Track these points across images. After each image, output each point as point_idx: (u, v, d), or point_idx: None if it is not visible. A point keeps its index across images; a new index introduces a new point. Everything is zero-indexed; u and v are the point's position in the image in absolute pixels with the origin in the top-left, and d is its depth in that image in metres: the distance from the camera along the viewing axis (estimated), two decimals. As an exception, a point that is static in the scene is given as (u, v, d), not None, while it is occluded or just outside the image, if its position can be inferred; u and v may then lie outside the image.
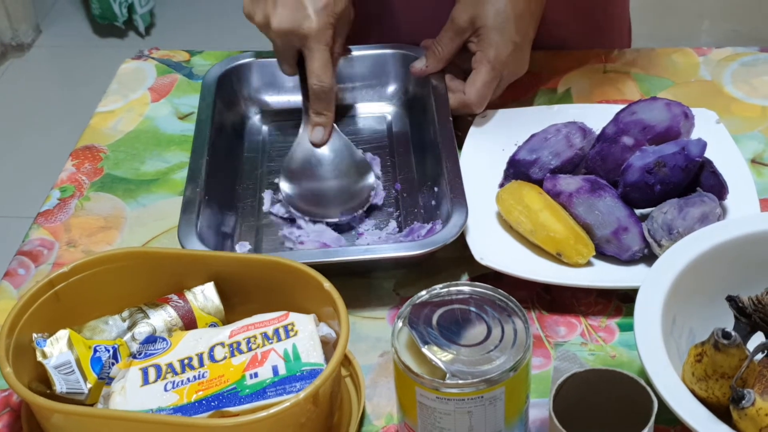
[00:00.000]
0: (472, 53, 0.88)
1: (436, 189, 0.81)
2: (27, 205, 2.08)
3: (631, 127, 0.81)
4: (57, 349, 0.64)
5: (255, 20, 0.84)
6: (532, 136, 0.84)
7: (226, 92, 0.91)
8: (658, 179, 0.77)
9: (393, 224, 0.82)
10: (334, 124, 0.87)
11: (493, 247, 0.76)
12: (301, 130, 0.87)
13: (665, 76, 0.96)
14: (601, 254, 0.76)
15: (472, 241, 0.76)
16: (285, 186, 0.84)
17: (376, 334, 0.73)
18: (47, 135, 2.33)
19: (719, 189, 0.78)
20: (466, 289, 0.63)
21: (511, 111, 0.90)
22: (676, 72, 0.97)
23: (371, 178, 0.85)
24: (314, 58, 0.83)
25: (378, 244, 0.79)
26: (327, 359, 0.64)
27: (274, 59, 0.88)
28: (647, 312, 0.63)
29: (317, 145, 0.86)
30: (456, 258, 0.78)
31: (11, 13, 2.59)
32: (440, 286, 0.63)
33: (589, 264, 0.76)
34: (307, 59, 0.84)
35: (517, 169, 0.82)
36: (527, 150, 0.83)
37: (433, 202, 0.81)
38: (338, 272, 0.72)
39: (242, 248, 0.79)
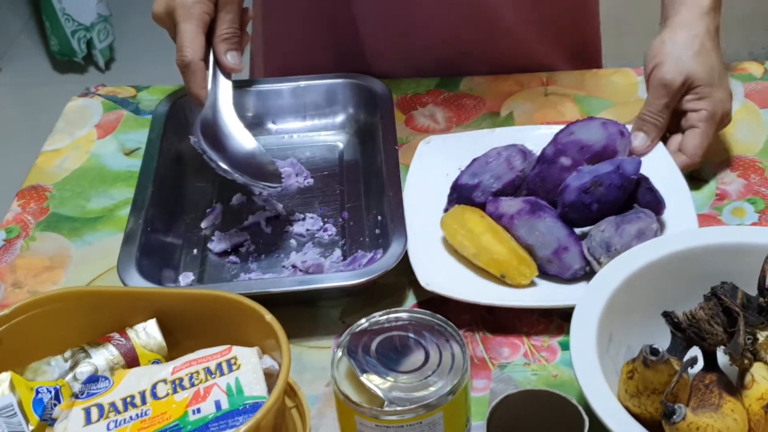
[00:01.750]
0: (683, 112, 0.87)
1: (380, 218, 0.82)
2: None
3: (569, 147, 0.83)
4: (-2, 393, 0.64)
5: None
6: (474, 160, 0.85)
7: (177, 123, 0.92)
8: (594, 198, 0.78)
9: (338, 252, 0.83)
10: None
11: (439, 272, 0.77)
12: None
13: (605, 97, 0.98)
14: (545, 274, 0.77)
15: (417, 266, 0.77)
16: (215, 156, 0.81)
17: (322, 364, 0.74)
18: (9, 174, 2.31)
19: (656, 205, 0.79)
20: (404, 315, 0.64)
21: (454, 135, 0.91)
22: (616, 92, 0.99)
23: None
24: (181, 30, 0.82)
25: (317, 274, 0.80)
26: (270, 392, 0.64)
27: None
28: (583, 331, 0.64)
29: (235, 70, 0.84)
30: (402, 284, 0.79)
31: (-30, 52, 2.58)
32: (380, 313, 0.64)
33: (532, 284, 0.77)
34: (176, 33, 0.83)
35: (460, 194, 0.83)
36: (469, 174, 0.84)
37: (377, 231, 0.82)
38: (283, 302, 0.73)
39: (186, 279, 0.80)
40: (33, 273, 0.82)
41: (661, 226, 0.79)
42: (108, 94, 1.03)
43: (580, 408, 0.56)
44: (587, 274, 0.76)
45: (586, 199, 0.78)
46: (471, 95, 0.99)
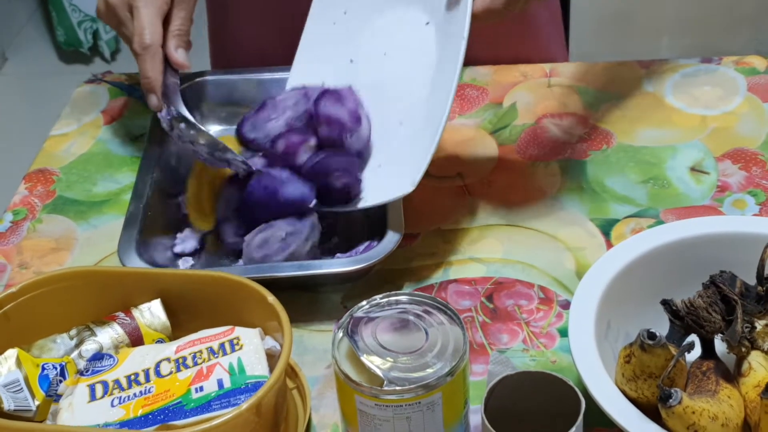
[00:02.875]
0: None
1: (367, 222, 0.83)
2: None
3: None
4: (5, 368, 0.65)
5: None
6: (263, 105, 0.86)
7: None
8: None
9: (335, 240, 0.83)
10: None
11: None
12: None
13: (608, 89, 0.98)
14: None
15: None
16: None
17: (323, 346, 0.74)
18: (6, 160, 2.32)
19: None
20: (404, 298, 0.64)
21: None
22: (620, 85, 0.99)
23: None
24: (138, 16, 0.81)
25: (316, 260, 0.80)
26: (272, 372, 0.65)
27: (232, 76, 0.90)
28: (581, 316, 0.65)
29: (155, 110, 0.83)
30: (402, 271, 0.80)
31: (-24, 42, 2.59)
32: (380, 296, 0.65)
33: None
34: (133, 19, 0.82)
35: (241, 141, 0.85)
36: (250, 125, 0.86)
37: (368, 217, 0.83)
38: (286, 286, 0.74)
39: (185, 264, 0.81)
40: (39, 254, 0.83)
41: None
42: (115, 80, 1.04)
43: (577, 390, 0.57)
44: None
45: None
46: (474, 85, 0.99)
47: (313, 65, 0.89)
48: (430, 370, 0.59)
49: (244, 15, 1.01)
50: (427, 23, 0.83)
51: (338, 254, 0.80)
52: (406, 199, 0.87)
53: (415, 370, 0.60)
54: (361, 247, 0.80)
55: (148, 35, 0.81)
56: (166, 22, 0.83)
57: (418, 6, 0.84)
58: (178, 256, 0.82)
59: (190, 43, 0.85)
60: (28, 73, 2.68)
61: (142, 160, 0.86)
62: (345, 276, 0.77)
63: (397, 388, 0.59)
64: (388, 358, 0.60)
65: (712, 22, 2.35)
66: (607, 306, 0.66)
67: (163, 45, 0.83)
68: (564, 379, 0.57)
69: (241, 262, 0.80)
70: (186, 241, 0.82)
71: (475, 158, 0.91)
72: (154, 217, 0.81)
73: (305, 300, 0.78)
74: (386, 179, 0.80)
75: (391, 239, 0.76)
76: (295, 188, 0.79)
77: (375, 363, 0.60)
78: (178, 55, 0.83)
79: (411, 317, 0.63)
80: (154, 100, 0.82)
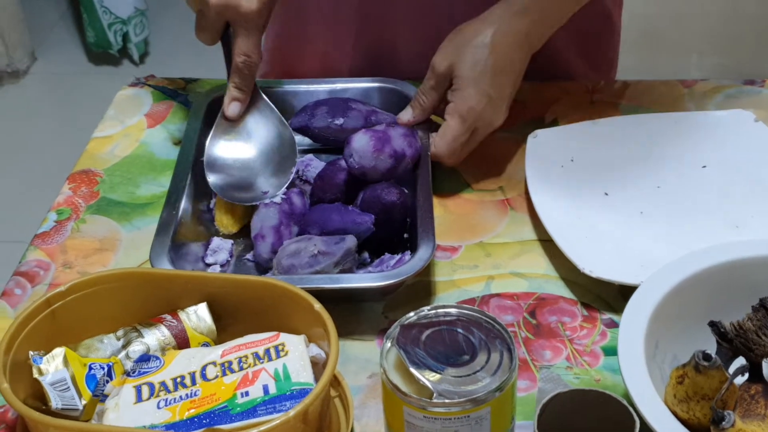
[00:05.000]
0: (447, 102, 0.86)
1: (409, 221, 0.83)
2: (21, 228, 2.09)
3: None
4: (53, 366, 0.65)
5: None
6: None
7: (215, 117, 0.93)
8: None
9: (365, 255, 0.83)
10: (265, 97, 0.88)
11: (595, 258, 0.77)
12: (220, 111, 0.88)
13: (650, 108, 0.98)
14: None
15: (574, 256, 0.77)
16: (210, 176, 0.84)
17: (365, 356, 0.75)
18: (42, 160, 2.34)
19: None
20: (453, 311, 0.64)
21: (558, 129, 0.92)
22: (662, 103, 0.99)
23: (294, 156, 0.86)
24: (246, 36, 0.84)
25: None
26: (316, 380, 0.65)
27: (264, 86, 0.90)
28: (631, 336, 0.64)
29: (231, 119, 0.87)
30: (444, 282, 0.80)
31: (7, 40, 2.61)
32: (428, 307, 0.65)
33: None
34: (237, 36, 0.85)
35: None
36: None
37: (406, 235, 0.83)
38: (326, 297, 0.73)
39: (213, 271, 0.81)
40: (83, 254, 0.84)
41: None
42: (158, 84, 1.04)
43: (631, 409, 0.57)
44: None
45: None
46: (514, 100, 0.99)
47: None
48: (479, 385, 0.59)
49: (314, 25, 1.01)
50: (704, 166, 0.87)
51: (371, 266, 0.80)
52: (448, 212, 0.87)
53: (464, 384, 0.60)
54: (392, 261, 0.80)
55: (254, 57, 0.85)
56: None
57: None
58: (208, 265, 0.82)
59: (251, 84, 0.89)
60: (56, 73, 2.70)
61: (176, 166, 0.86)
62: (376, 290, 0.77)
63: (446, 401, 0.59)
64: (438, 371, 0.60)
65: (741, 42, 2.35)
66: (656, 326, 0.66)
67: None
68: (617, 398, 0.57)
69: (269, 274, 0.80)
70: (218, 253, 0.83)
71: (516, 173, 0.91)
72: (186, 224, 0.81)
73: (346, 309, 0.78)
74: None
75: (422, 256, 0.76)
76: (354, 220, 0.80)
77: (424, 375, 0.60)
78: (230, 109, 0.87)
79: (460, 330, 0.63)
80: (237, 108, 0.86)
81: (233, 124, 0.87)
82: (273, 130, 0.87)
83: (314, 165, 0.90)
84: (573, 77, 1.03)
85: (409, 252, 0.79)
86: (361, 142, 0.83)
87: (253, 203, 0.83)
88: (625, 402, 0.57)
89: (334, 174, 0.84)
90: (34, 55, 2.74)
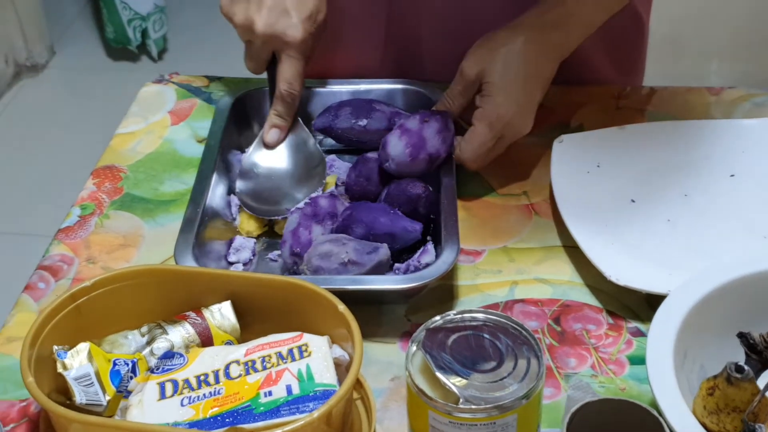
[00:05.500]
0: (475, 107, 0.86)
1: (431, 228, 0.83)
2: (41, 221, 2.10)
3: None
4: (77, 361, 0.65)
5: (234, 20, 0.86)
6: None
7: (240, 116, 0.93)
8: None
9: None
10: (301, 122, 0.89)
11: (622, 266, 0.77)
12: (261, 131, 0.89)
13: (677, 115, 0.98)
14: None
15: (600, 263, 0.77)
16: (239, 184, 0.86)
17: (387, 358, 0.74)
18: (60, 153, 2.35)
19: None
20: (480, 316, 0.64)
21: (583, 134, 0.91)
22: (688, 111, 0.98)
23: (323, 168, 0.87)
24: (290, 65, 0.86)
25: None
26: (339, 381, 0.65)
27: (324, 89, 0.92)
28: (659, 345, 0.64)
29: (269, 146, 0.88)
30: (467, 286, 0.79)
31: (26, 34, 2.62)
32: (454, 312, 0.65)
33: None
34: (282, 64, 0.86)
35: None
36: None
37: (429, 237, 0.82)
38: (348, 298, 0.73)
39: (236, 269, 0.81)
40: (106, 250, 0.83)
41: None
42: (181, 82, 1.04)
43: (662, 420, 0.56)
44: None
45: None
46: (541, 104, 0.99)
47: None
48: (506, 391, 0.59)
49: (352, 26, 1.01)
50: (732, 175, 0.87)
51: (396, 265, 0.80)
52: (471, 215, 0.87)
53: (491, 390, 0.59)
54: (416, 255, 0.79)
55: (297, 86, 0.86)
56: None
57: None
58: (231, 264, 0.82)
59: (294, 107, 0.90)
60: (75, 68, 2.71)
61: (201, 163, 0.86)
62: (399, 293, 0.77)
63: (473, 407, 0.58)
64: (464, 376, 0.60)
65: (762, 48, 2.33)
66: (684, 336, 0.65)
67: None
68: (648, 408, 0.57)
69: (287, 273, 0.80)
70: (241, 251, 0.82)
71: (541, 177, 0.91)
72: (210, 222, 0.81)
73: (368, 311, 0.78)
74: None
75: (446, 259, 0.75)
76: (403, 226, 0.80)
77: (451, 380, 0.60)
78: (269, 135, 0.88)
79: (486, 335, 0.63)
80: (276, 136, 0.88)
81: (272, 147, 0.88)
82: (306, 155, 0.88)
83: (337, 165, 0.90)
84: (600, 81, 1.02)
85: (431, 242, 0.79)
86: (396, 150, 0.83)
87: (273, 217, 0.84)
88: (655, 412, 0.56)
89: (371, 170, 0.85)
90: (53, 50, 2.75)
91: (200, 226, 0.79)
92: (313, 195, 0.84)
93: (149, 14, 2.62)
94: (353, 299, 0.74)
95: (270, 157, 0.88)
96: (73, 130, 2.49)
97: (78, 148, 2.34)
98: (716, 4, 2.33)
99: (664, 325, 0.65)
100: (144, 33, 2.65)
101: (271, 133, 0.87)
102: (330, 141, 0.93)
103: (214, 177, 0.84)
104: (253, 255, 0.83)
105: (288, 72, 0.86)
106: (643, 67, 1.09)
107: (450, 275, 0.80)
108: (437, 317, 0.64)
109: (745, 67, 2.34)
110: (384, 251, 0.77)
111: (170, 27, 2.74)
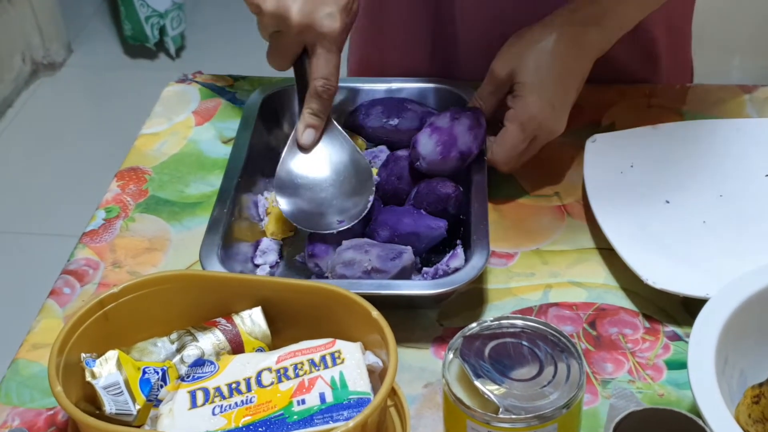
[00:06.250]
0: (507, 108, 0.84)
1: (461, 230, 0.81)
2: (63, 223, 2.10)
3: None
4: (106, 370, 0.64)
5: (264, 7, 0.77)
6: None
7: (268, 115, 0.91)
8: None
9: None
10: (336, 124, 0.84)
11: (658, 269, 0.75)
12: (293, 133, 0.84)
13: (711, 113, 0.96)
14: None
15: (636, 266, 0.75)
16: (281, 201, 0.80)
17: (420, 364, 0.73)
18: (79, 153, 2.35)
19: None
20: (518, 323, 0.63)
21: (616, 134, 0.89)
22: (722, 109, 0.96)
23: (371, 184, 0.81)
24: (327, 59, 0.79)
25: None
26: (375, 388, 0.64)
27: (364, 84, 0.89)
28: (701, 351, 0.62)
29: (305, 148, 0.82)
30: (500, 290, 0.78)
31: (44, 32, 2.62)
32: (491, 318, 0.63)
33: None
34: (317, 58, 0.80)
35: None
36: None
37: (458, 241, 0.80)
38: (379, 303, 0.72)
39: (262, 272, 0.79)
40: (132, 254, 0.82)
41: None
42: (205, 81, 1.03)
43: (708, 430, 0.54)
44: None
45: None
46: (571, 103, 0.97)
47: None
48: (546, 401, 0.58)
49: (395, 27, 0.99)
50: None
51: (425, 269, 0.78)
52: (502, 217, 0.85)
53: (531, 399, 0.58)
54: (445, 258, 0.78)
55: (335, 82, 0.81)
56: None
57: None
58: (257, 266, 0.81)
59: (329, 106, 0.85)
60: (92, 66, 2.71)
61: (228, 164, 0.85)
62: (428, 297, 0.75)
63: (513, 416, 0.57)
64: (503, 385, 0.58)
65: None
66: (725, 341, 0.64)
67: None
68: (694, 418, 0.55)
69: (313, 277, 0.78)
70: (267, 254, 0.81)
71: (572, 178, 0.89)
72: (236, 224, 0.80)
73: (398, 316, 0.76)
74: None
75: (476, 264, 0.74)
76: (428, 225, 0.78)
77: (489, 388, 0.58)
78: (304, 137, 0.83)
79: (525, 342, 0.61)
80: (312, 136, 0.82)
81: (307, 149, 0.83)
82: (347, 157, 0.83)
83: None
84: (624, 79, 1.00)
85: (461, 246, 0.78)
86: (427, 148, 0.81)
87: (327, 232, 0.79)
88: (701, 423, 0.55)
89: (402, 169, 0.83)
90: (71, 48, 2.75)
91: (227, 228, 0.78)
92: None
93: (167, 11, 2.61)
94: (382, 304, 0.73)
95: (308, 164, 0.82)
96: (91, 129, 2.49)
97: (97, 146, 2.34)
98: (736, 0, 2.30)
99: (706, 329, 0.63)
100: (162, 30, 2.64)
101: (306, 134, 0.81)
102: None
103: (242, 177, 0.83)
104: (280, 257, 0.82)
105: (324, 66, 0.80)
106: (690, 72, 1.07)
107: (482, 278, 0.79)
108: (474, 324, 0.63)
109: (766, 63, 2.31)
110: (408, 256, 0.76)
111: (188, 24, 2.73)
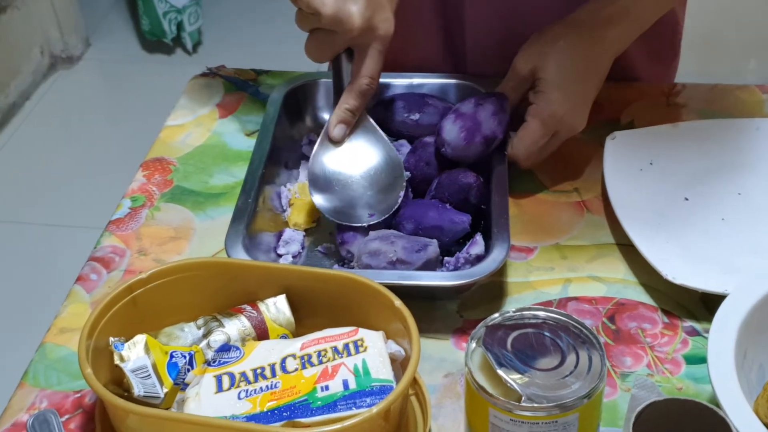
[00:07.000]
0: (528, 104, 0.85)
1: (482, 222, 0.82)
2: (82, 214, 2.12)
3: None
4: (134, 353, 0.65)
5: (323, 10, 0.77)
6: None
7: (292, 108, 0.93)
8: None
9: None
10: (371, 119, 0.85)
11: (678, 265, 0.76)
12: (324, 127, 0.84)
13: (730, 113, 0.96)
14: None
15: (657, 263, 0.76)
16: (315, 197, 0.81)
17: (440, 355, 0.74)
18: (97, 146, 2.37)
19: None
20: (540, 314, 0.63)
21: (635, 131, 0.90)
22: (741, 109, 0.97)
23: (402, 180, 0.82)
24: (375, 60, 0.81)
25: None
26: (397, 376, 0.65)
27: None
28: (721, 345, 0.63)
29: (335, 141, 0.83)
30: (519, 283, 0.79)
31: (62, 26, 2.64)
32: (513, 309, 0.64)
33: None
34: (366, 58, 0.81)
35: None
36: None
37: (478, 234, 0.81)
38: (399, 293, 0.73)
39: (285, 262, 0.81)
40: (158, 242, 0.84)
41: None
42: (229, 75, 1.04)
43: (730, 422, 0.55)
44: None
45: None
46: (590, 101, 0.98)
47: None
48: (568, 390, 0.58)
49: (403, 23, 1.00)
50: None
51: (446, 259, 0.79)
52: (522, 212, 0.86)
53: (553, 389, 0.59)
54: (466, 246, 0.78)
55: (377, 82, 0.82)
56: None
57: None
58: (280, 256, 0.82)
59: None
60: (109, 60, 2.72)
61: (253, 154, 0.86)
62: (449, 289, 0.76)
63: (535, 405, 0.58)
64: (525, 374, 0.59)
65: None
66: (745, 335, 0.64)
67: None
68: (715, 409, 0.56)
69: (336, 266, 0.79)
70: (290, 244, 0.82)
71: (591, 174, 0.90)
72: (260, 214, 0.81)
73: (419, 306, 0.77)
74: None
75: (497, 257, 0.75)
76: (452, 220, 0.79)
77: (512, 377, 0.59)
78: (336, 131, 0.83)
79: (547, 333, 0.62)
80: (343, 131, 0.83)
81: (338, 143, 0.84)
82: (380, 152, 0.84)
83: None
84: (634, 77, 1.01)
85: (480, 234, 0.79)
86: (451, 134, 0.82)
87: (359, 224, 0.80)
88: (723, 414, 0.56)
89: (430, 154, 0.84)
90: (89, 42, 2.76)
91: (251, 217, 0.79)
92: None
93: (185, 7, 2.63)
94: (404, 294, 0.74)
95: (341, 159, 0.83)
96: (107, 122, 2.51)
97: (114, 139, 2.36)
98: (753, 2, 2.30)
99: (725, 324, 0.64)
100: (179, 26, 2.66)
101: (338, 129, 0.83)
102: None
103: (266, 169, 0.84)
104: (302, 248, 0.83)
105: (372, 67, 0.81)
106: (676, 65, 1.07)
107: (501, 272, 0.79)
108: (496, 314, 0.64)
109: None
110: (433, 249, 0.77)
111: (205, 20, 2.75)
